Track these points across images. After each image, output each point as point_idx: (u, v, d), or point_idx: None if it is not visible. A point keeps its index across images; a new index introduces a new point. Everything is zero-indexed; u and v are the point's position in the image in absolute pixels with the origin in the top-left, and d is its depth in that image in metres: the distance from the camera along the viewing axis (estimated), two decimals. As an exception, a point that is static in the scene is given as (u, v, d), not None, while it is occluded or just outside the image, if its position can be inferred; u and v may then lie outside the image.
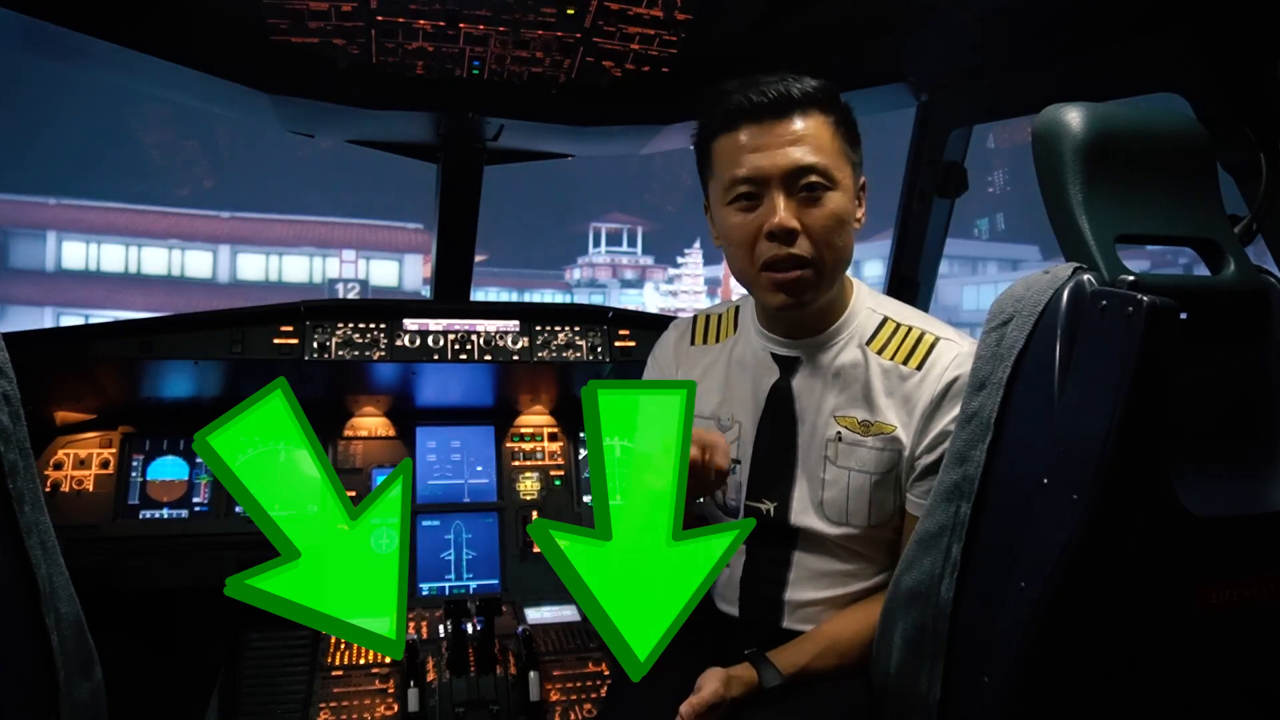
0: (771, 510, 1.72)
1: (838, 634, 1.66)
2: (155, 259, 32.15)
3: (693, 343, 1.88)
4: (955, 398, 1.57)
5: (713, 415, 1.80)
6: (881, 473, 1.64)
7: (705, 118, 1.66)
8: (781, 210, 1.55)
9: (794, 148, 1.56)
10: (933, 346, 1.65)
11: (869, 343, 1.69)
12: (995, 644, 1.24)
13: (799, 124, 1.57)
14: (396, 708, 2.15)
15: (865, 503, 1.65)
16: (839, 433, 1.67)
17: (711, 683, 1.56)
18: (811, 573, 1.72)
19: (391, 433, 2.80)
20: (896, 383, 1.64)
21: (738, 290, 1.90)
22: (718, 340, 1.85)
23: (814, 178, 1.56)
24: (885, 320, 1.71)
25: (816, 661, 1.63)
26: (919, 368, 1.63)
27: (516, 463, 2.84)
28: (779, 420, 1.72)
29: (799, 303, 1.61)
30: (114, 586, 2.44)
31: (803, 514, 1.70)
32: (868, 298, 1.75)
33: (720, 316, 1.88)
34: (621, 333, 2.72)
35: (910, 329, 1.68)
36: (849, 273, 1.77)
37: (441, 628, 2.36)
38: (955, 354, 1.62)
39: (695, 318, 1.93)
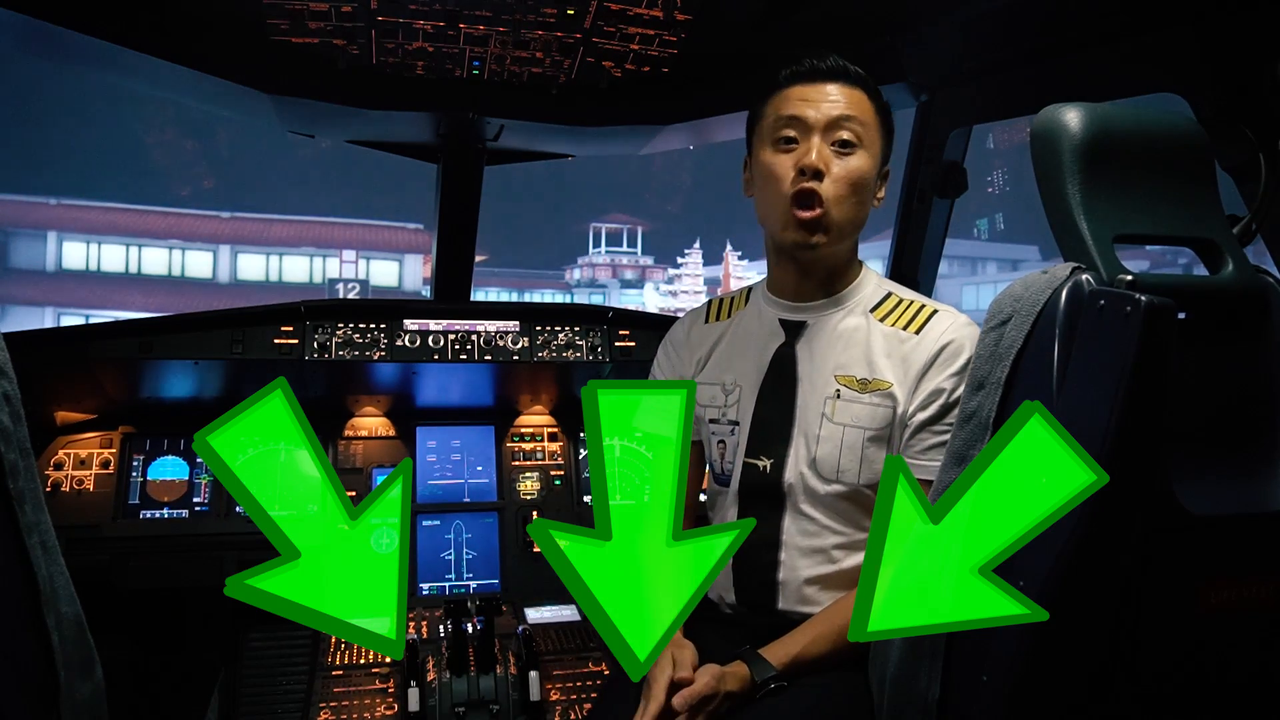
0: (767, 467, 1.80)
1: (830, 620, 1.67)
2: (155, 259, 32.14)
3: (707, 321, 2.00)
4: (948, 360, 1.70)
5: (718, 381, 1.90)
6: (876, 428, 1.73)
7: (771, 73, 1.82)
8: (815, 152, 1.72)
9: (837, 105, 1.75)
10: (931, 316, 1.77)
11: (873, 311, 1.81)
12: (994, 643, 1.24)
13: (847, 91, 1.76)
14: (396, 708, 2.15)
15: (857, 459, 1.73)
16: (838, 390, 1.76)
17: (705, 675, 1.58)
18: (803, 550, 1.75)
19: (391, 433, 2.80)
20: (896, 345, 1.76)
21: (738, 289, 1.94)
22: (729, 316, 1.97)
23: (848, 134, 1.73)
24: (890, 294, 1.84)
25: (810, 649, 1.64)
26: (917, 333, 1.75)
27: (516, 463, 2.84)
28: (781, 382, 1.82)
29: (811, 243, 1.74)
30: (114, 586, 2.44)
31: (796, 470, 1.77)
32: (876, 277, 1.89)
33: (734, 297, 2.01)
34: (621, 333, 2.72)
35: (913, 302, 1.82)
36: (863, 262, 1.90)
37: (441, 628, 2.36)
38: (951, 321, 1.75)
39: (711, 300, 2.05)
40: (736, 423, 1.85)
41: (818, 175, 1.71)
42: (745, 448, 1.82)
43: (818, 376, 1.78)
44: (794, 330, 1.84)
